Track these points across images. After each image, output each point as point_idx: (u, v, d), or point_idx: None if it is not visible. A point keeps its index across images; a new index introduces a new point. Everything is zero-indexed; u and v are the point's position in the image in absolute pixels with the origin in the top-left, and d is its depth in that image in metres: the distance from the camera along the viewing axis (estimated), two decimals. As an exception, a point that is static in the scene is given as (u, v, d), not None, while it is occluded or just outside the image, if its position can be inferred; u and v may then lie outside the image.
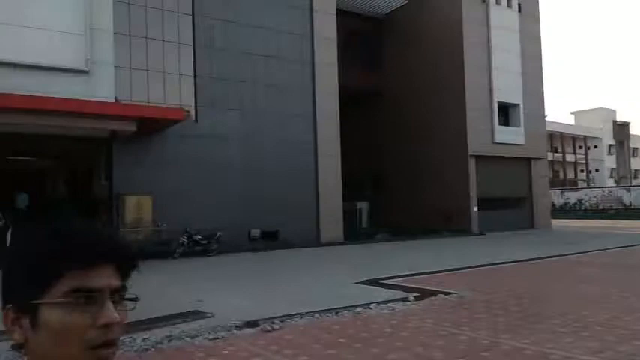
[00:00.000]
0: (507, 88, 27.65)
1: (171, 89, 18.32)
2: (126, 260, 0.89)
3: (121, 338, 1.01)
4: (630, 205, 46.62)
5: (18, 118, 14.36)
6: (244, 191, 19.46)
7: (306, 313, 7.68)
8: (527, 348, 5.72)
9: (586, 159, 72.77)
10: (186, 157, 18.40)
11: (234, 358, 5.76)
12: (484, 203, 26.42)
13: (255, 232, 19.46)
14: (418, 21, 28.71)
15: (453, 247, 19.13)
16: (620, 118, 77.62)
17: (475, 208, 26.32)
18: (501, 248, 18.12)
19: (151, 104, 17.46)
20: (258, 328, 6.92)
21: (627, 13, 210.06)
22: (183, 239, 17.15)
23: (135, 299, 0.89)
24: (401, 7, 29.38)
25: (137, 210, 17.54)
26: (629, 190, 49.49)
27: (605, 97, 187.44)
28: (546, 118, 32.76)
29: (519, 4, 28.99)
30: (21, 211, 18.18)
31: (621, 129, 75.75)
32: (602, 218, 39.63)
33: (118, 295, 0.86)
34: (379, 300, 8.59)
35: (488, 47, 27.21)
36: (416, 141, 28.14)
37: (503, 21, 27.88)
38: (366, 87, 30.04)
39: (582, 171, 73.02)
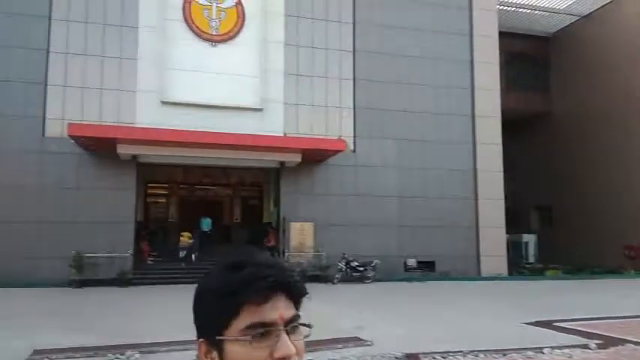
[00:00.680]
0: None
1: (332, 121, 19.38)
2: (297, 290, 0.90)
3: None
4: None
5: (206, 152, 16.61)
6: (401, 219, 19.47)
7: (470, 351, 7.32)
8: None
9: None
10: (344, 186, 19.16)
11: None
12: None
13: (412, 262, 19.24)
14: (598, 36, 26.01)
15: (643, 290, 16.49)
16: None
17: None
18: None
19: (314, 136, 18.67)
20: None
21: None
22: (342, 265, 17.72)
23: (309, 326, 0.90)
24: (573, 23, 27.05)
25: (300, 235, 18.69)
26: None
27: None
28: None
29: None
30: (205, 233, 20.78)
31: None
32: None
33: (292, 325, 0.87)
34: (553, 345, 7.80)
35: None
36: (594, 167, 25.19)
37: None
38: (531, 110, 28.06)
39: None
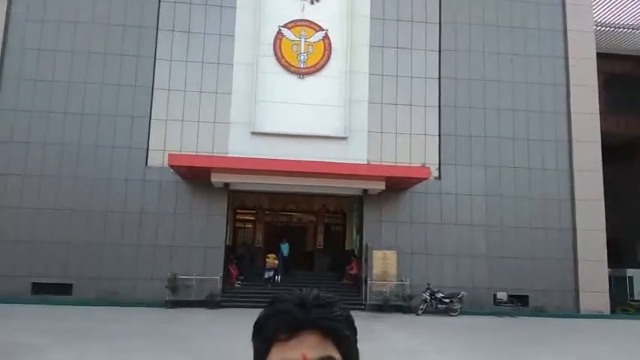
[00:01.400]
0: None
1: (416, 149, 19.19)
2: (330, 330, 0.86)
3: None
4: None
5: (292, 180, 17.15)
6: (490, 250, 18.67)
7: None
8: None
9: None
10: (429, 214, 18.77)
11: None
12: None
13: (502, 295, 18.29)
14: None
15: None
16: None
17: None
18: None
19: (398, 164, 18.58)
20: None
21: None
22: (426, 296, 17.24)
23: None
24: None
25: (383, 264, 18.49)
26: None
27: None
28: None
29: None
30: (284, 258, 21.29)
31: None
32: None
33: None
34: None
35: None
36: None
37: None
38: (633, 133, 25.95)
39: None
